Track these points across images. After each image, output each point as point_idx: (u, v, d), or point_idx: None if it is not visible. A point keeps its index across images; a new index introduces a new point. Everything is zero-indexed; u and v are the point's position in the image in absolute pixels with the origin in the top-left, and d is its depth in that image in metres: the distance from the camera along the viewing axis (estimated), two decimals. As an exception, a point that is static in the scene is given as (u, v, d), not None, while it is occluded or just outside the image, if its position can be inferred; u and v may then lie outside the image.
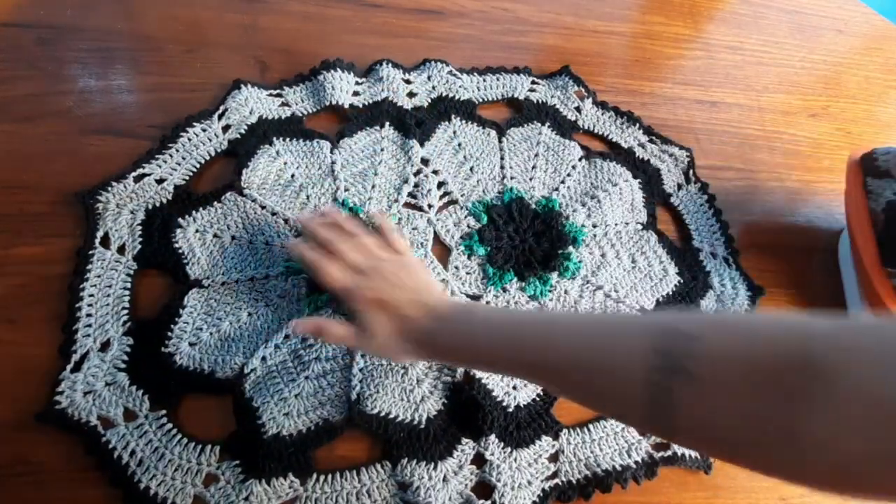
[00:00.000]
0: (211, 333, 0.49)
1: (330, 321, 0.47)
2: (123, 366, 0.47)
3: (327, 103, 0.64)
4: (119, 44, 0.64)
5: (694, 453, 0.52)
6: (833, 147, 0.78)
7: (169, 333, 0.49)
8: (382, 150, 0.63)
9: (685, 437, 0.35)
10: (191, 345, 0.49)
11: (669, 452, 0.52)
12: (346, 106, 0.64)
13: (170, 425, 0.45)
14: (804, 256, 0.67)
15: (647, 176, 0.68)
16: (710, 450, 0.37)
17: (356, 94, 0.66)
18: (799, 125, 0.79)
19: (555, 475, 0.50)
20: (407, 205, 0.60)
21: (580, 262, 0.60)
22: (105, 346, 0.47)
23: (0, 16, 0.62)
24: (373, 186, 0.60)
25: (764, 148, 0.76)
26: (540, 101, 0.71)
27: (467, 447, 0.49)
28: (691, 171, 0.69)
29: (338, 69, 0.65)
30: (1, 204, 0.52)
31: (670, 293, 0.61)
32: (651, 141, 0.71)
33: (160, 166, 0.56)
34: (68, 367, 0.46)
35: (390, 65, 0.68)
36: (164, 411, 0.46)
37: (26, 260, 0.50)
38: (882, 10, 0.96)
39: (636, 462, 0.51)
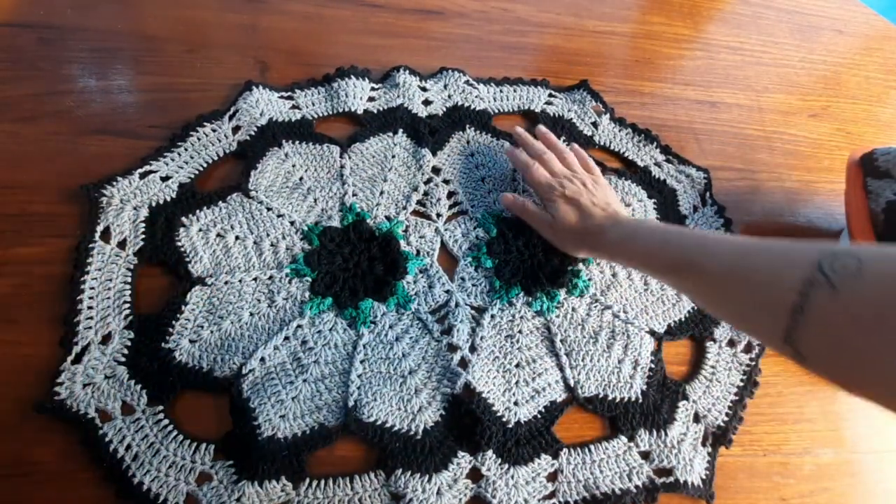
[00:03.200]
0: (211, 332, 0.51)
1: (528, 201, 0.60)
2: (123, 359, 0.49)
3: (341, 109, 0.66)
4: (119, 44, 0.66)
5: (697, 480, 0.52)
6: (833, 147, 0.79)
7: (170, 329, 0.50)
8: (394, 156, 0.64)
9: (813, 356, 0.33)
10: (191, 342, 0.50)
11: (671, 479, 0.52)
12: (360, 112, 0.66)
13: (166, 421, 0.47)
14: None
15: (663, 196, 0.69)
16: (835, 373, 0.35)
17: (371, 99, 0.68)
18: (799, 125, 0.79)
19: (552, 495, 0.50)
20: (415, 213, 0.62)
21: (589, 280, 0.61)
22: (106, 340, 0.49)
23: (0, 16, 0.63)
24: (381, 193, 0.61)
25: (764, 148, 0.76)
26: (556, 114, 0.73)
27: (463, 461, 0.50)
28: (708, 193, 0.70)
29: (353, 76, 0.67)
30: (1, 204, 0.54)
31: (683, 318, 0.61)
32: (668, 160, 0.72)
33: (167, 164, 0.58)
34: (69, 359, 0.47)
35: (407, 72, 0.69)
36: (161, 407, 0.47)
37: (26, 260, 0.52)
38: (882, 10, 0.97)
39: (636, 486, 0.51)
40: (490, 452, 0.49)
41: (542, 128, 0.66)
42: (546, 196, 0.57)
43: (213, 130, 0.61)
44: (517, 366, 0.55)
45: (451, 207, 0.62)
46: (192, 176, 0.58)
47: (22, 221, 0.53)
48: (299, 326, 0.52)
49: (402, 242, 0.58)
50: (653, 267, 0.50)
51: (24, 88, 0.60)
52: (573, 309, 0.59)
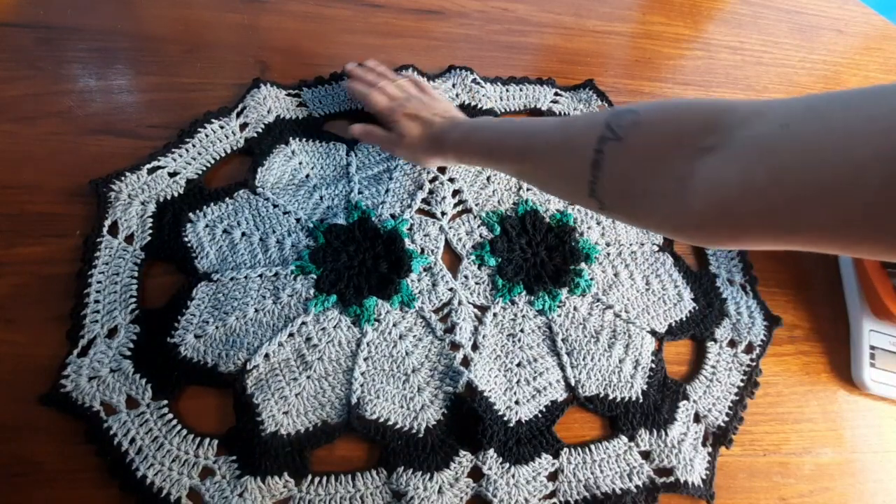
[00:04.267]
0: (217, 327, 0.51)
1: (375, 126, 0.60)
2: (129, 353, 0.49)
3: (348, 108, 0.66)
4: (119, 44, 0.66)
5: (697, 480, 0.52)
6: (833, 147, 0.78)
7: (175, 324, 0.50)
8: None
9: (609, 200, 0.39)
10: (196, 337, 0.50)
11: (671, 479, 0.52)
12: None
13: (170, 415, 0.47)
14: (804, 256, 0.68)
15: None
16: (626, 211, 0.41)
17: None
18: (799, 125, 0.79)
19: (552, 494, 0.50)
20: (420, 211, 0.61)
21: (592, 279, 0.60)
22: (112, 333, 0.49)
23: (0, 16, 0.62)
24: (387, 191, 0.61)
25: (764, 148, 0.75)
26: (562, 112, 0.73)
27: (465, 460, 0.50)
28: None
29: None
30: (1, 204, 0.54)
31: (684, 319, 0.61)
32: None
33: (175, 160, 0.58)
34: (75, 352, 0.47)
35: (415, 72, 0.69)
36: (165, 401, 0.47)
37: (26, 260, 0.52)
38: (882, 10, 0.97)
39: (637, 486, 0.51)
40: (491, 451, 0.49)
41: (370, 61, 0.67)
42: (389, 118, 0.59)
43: (221, 127, 0.61)
44: (519, 365, 0.55)
45: (455, 206, 0.62)
46: (200, 172, 0.58)
47: (22, 221, 0.52)
48: (304, 323, 0.52)
49: (407, 241, 0.58)
50: (495, 158, 0.53)
51: (24, 88, 0.59)
52: (575, 308, 0.58)
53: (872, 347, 0.61)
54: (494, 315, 0.57)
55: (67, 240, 0.52)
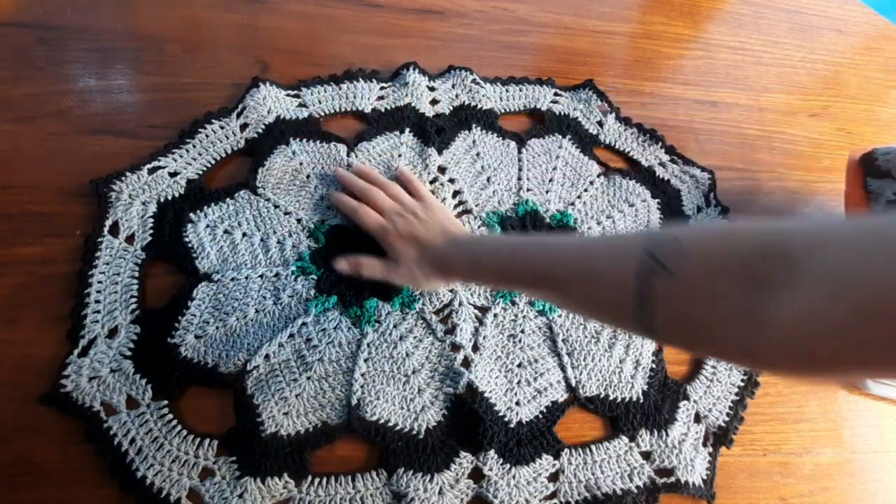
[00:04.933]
0: (217, 327, 0.51)
1: (365, 257, 0.54)
2: (129, 353, 0.48)
3: (349, 108, 0.66)
4: (119, 44, 0.65)
5: (698, 480, 0.52)
6: (833, 147, 0.79)
7: (176, 324, 0.50)
8: (400, 155, 0.64)
9: (665, 333, 0.37)
10: (196, 337, 0.50)
11: (672, 479, 0.52)
12: (368, 111, 0.66)
13: (170, 416, 0.47)
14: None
15: (667, 196, 0.68)
16: (687, 344, 0.40)
17: (380, 98, 0.67)
18: (799, 125, 0.80)
19: (553, 495, 0.50)
20: None
21: None
22: (113, 333, 0.49)
23: (0, 16, 0.62)
24: None
25: (764, 148, 0.76)
26: (562, 113, 0.72)
27: (465, 461, 0.49)
28: (712, 194, 0.70)
29: (360, 79, 0.67)
30: (1, 204, 0.53)
31: None
32: (672, 161, 0.71)
33: (175, 160, 0.58)
34: (75, 352, 0.47)
35: (417, 70, 0.69)
36: (165, 401, 0.47)
37: (26, 260, 0.51)
38: (882, 10, 0.97)
39: (637, 487, 0.51)
40: (492, 452, 0.49)
41: (356, 164, 0.61)
42: (382, 240, 0.54)
43: (222, 127, 0.60)
44: (519, 365, 0.54)
45: (455, 206, 0.62)
46: (201, 172, 0.58)
47: (22, 221, 0.52)
48: (304, 324, 0.52)
49: (407, 241, 0.58)
50: (507, 283, 0.51)
51: (24, 88, 0.59)
52: (576, 309, 0.59)
53: (872, 347, 0.61)
54: (495, 316, 0.56)
55: (68, 240, 0.52)
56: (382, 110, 0.66)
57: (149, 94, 0.62)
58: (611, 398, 0.54)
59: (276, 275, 0.54)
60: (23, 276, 0.50)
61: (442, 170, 0.64)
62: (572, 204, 0.65)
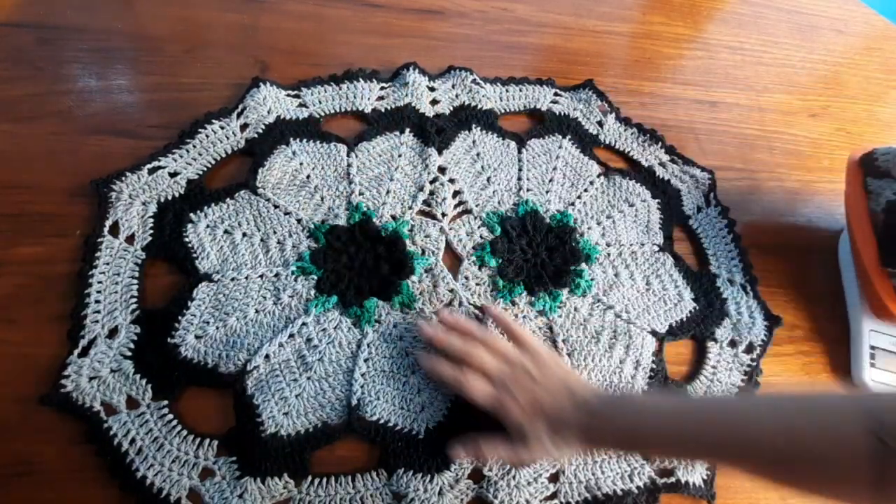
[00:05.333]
0: (217, 328, 0.50)
1: (485, 440, 0.47)
2: (129, 353, 0.48)
3: (349, 108, 0.65)
4: (119, 44, 0.65)
5: (698, 480, 0.52)
6: (833, 147, 0.79)
7: (176, 324, 0.50)
8: (400, 155, 0.64)
9: None
10: (196, 337, 0.50)
11: (672, 479, 0.52)
12: (368, 111, 0.66)
13: (170, 416, 0.47)
14: (804, 256, 0.68)
15: (667, 196, 0.68)
16: None
17: (380, 98, 0.67)
18: (799, 125, 0.80)
19: (554, 496, 0.50)
20: (421, 212, 0.61)
21: (592, 279, 0.60)
22: (113, 333, 0.49)
23: (0, 16, 0.62)
24: (387, 192, 0.61)
25: (764, 148, 0.76)
26: (562, 113, 0.72)
27: (465, 461, 0.49)
28: (712, 194, 0.70)
29: (360, 79, 0.67)
30: (1, 204, 0.53)
31: (684, 319, 0.61)
32: (672, 161, 0.71)
33: (176, 160, 0.58)
34: (75, 352, 0.47)
35: (417, 70, 0.69)
36: (165, 402, 0.47)
37: (26, 260, 0.51)
38: (882, 10, 0.97)
39: (638, 487, 0.51)
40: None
41: (444, 314, 0.53)
42: (500, 416, 0.47)
43: (222, 128, 0.60)
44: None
45: (455, 207, 0.62)
46: (201, 172, 0.58)
47: (22, 221, 0.52)
48: (304, 324, 0.52)
49: (408, 242, 0.57)
50: (680, 455, 0.48)
51: (24, 88, 0.59)
52: (575, 309, 0.58)
53: (872, 347, 0.61)
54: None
55: (68, 240, 0.52)
56: (382, 110, 0.66)
57: (149, 94, 0.62)
58: (611, 398, 0.54)
59: (277, 275, 0.54)
60: (23, 276, 0.50)
61: (442, 170, 0.63)
62: (572, 204, 0.65)
